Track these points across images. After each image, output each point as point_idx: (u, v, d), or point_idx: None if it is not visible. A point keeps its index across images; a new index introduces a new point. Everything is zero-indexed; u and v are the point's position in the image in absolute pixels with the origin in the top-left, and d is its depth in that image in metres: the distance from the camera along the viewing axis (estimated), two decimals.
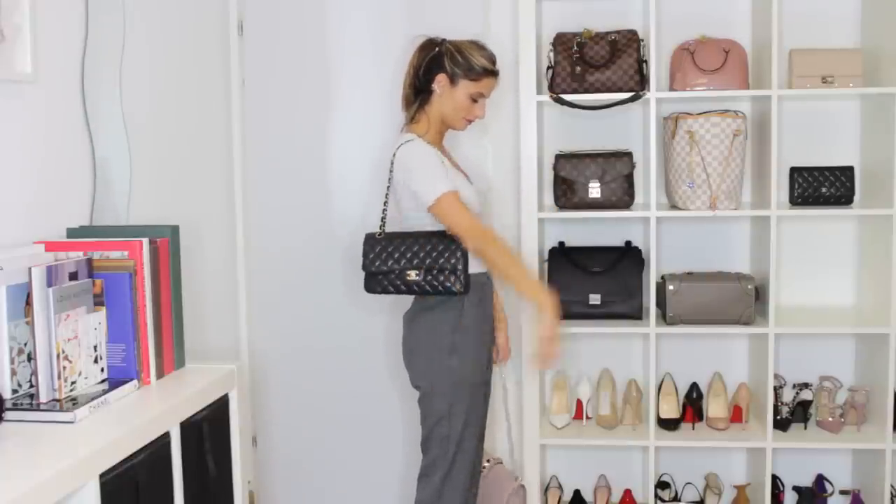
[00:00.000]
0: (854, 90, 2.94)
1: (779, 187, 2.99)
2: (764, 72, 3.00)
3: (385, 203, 2.58)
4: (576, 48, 3.00)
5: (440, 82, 2.54)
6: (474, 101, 2.56)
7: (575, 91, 2.99)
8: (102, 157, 2.29)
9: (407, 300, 2.68)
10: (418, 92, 2.58)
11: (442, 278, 2.48)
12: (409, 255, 2.50)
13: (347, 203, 3.34)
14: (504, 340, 2.80)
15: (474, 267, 2.52)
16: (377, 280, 2.54)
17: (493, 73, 2.56)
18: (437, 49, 2.56)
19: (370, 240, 2.56)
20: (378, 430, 3.39)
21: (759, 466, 3.10)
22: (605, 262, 3.11)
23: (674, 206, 3.06)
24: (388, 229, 2.56)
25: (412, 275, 2.50)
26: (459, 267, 2.48)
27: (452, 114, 2.57)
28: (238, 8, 3.25)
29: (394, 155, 2.52)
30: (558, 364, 2.84)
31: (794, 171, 3.05)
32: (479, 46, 2.57)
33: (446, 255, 2.48)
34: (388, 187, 2.58)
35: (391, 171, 2.53)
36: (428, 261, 2.49)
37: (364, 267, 2.55)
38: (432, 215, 2.48)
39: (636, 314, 3.08)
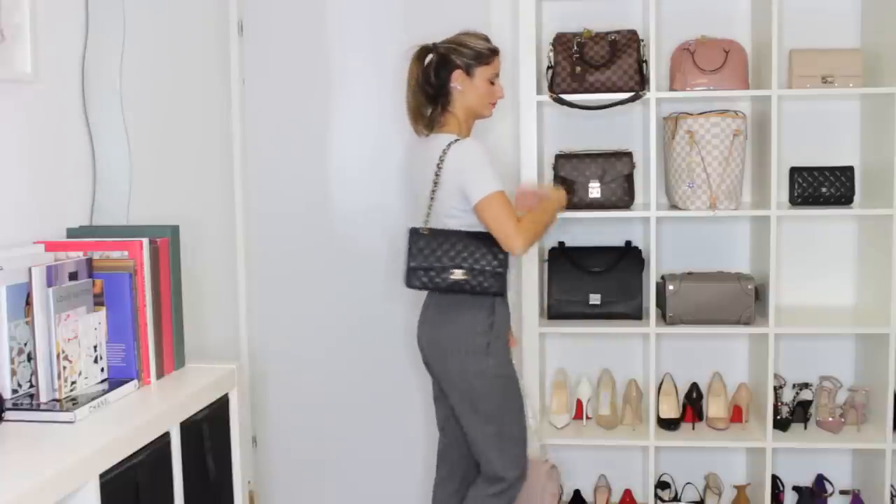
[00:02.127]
0: (854, 90, 2.94)
1: (779, 187, 2.99)
2: (764, 72, 3.00)
3: (431, 199, 2.54)
4: (576, 48, 3.00)
5: (458, 79, 2.56)
6: (491, 83, 2.59)
7: (575, 91, 2.99)
8: (102, 157, 2.29)
9: (416, 299, 2.68)
10: (434, 98, 2.58)
11: (481, 279, 2.51)
12: (452, 254, 2.51)
13: (347, 203, 3.35)
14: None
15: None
16: (418, 275, 2.54)
17: (496, 51, 2.61)
18: (434, 52, 2.58)
19: (415, 235, 2.56)
20: (378, 429, 3.39)
21: (759, 466, 3.10)
22: (605, 262, 3.11)
23: (674, 206, 3.06)
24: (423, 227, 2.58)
25: (457, 274, 2.51)
26: (500, 270, 2.51)
27: (479, 103, 2.59)
28: (238, 8, 3.25)
29: (442, 155, 2.49)
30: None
31: (794, 171, 3.05)
32: (470, 34, 2.62)
33: (489, 257, 2.51)
34: (434, 184, 2.51)
35: (438, 171, 2.50)
36: (470, 261, 2.50)
37: (408, 261, 2.55)
38: (476, 213, 2.47)
39: (636, 314, 3.08)
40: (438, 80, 2.57)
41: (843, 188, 3.02)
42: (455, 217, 2.53)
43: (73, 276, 1.87)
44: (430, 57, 2.60)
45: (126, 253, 1.96)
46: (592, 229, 3.27)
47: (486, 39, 2.61)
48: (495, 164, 2.50)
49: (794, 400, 3.16)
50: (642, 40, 3.01)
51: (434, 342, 2.61)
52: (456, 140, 2.51)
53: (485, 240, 2.51)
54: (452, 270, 2.51)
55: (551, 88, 3.01)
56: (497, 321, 2.57)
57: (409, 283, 2.58)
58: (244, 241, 3.33)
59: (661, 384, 3.20)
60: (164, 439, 1.81)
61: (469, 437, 2.62)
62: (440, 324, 2.60)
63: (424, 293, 2.69)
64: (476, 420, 2.57)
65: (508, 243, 2.45)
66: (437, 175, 2.50)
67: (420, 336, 2.68)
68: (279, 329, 3.39)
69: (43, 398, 1.78)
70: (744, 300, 3.00)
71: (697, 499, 3.29)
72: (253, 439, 3.42)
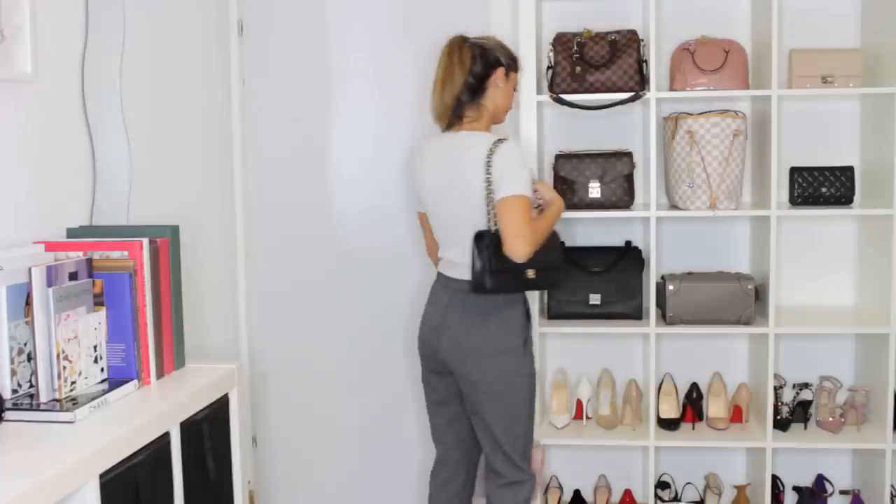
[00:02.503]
0: (854, 90, 2.94)
1: (779, 187, 2.99)
2: (764, 72, 3.00)
3: (489, 200, 2.46)
4: (576, 48, 3.00)
5: (500, 77, 2.55)
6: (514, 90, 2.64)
7: (575, 91, 2.99)
8: (102, 157, 2.29)
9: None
10: (474, 90, 2.54)
11: (549, 274, 2.53)
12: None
13: (347, 203, 3.34)
14: None
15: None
16: (496, 278, 2.44)
17: None
18: (476, 46, 2.55)
19: (485, 237, 2.45)
20: (378, 429, 3.39)
21: (759, 466, 3.10)
22: (605, 262, 3.11)
23: (674, 206, 3.06)
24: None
25: (529, 273, 2.48)
26: (558, 264, 2.55)
27: (504, 107, 2.60)
28: (238, 8, 3.25)
29: (490, 154, 2.44)
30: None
31: (794, 171, 3.05)
32: (500, 42, 2.63)
33: (552, 252, 2.54)
34: (489, 184, 2.44)
35: (490, 171, 2.44)
36: (541, 258, 2.48)
37: (487, 266, 2.44)
38: (497, 207, 2.43)
39: (636, 314, 3.08)
40: (483, 72, 2.53)
41: (843, 188, 3.02)
42: (477, 218, 2.50)
43: (73, 276, 1.87)
44: (474, 50, 2.54)
45: (126, 253, 1.96)
46: (592, 229, 3.27)
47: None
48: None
49: (794, 400, 3.16)
50: (642, 40, 3.01)
51: (465, 344, 2.53)
52: (502, 139, 2.48)
53: (551, 237, 2.56)
54: (527, 271, 2.47)
55: (551, 88, 3.01)
56: (529, 319, 2.61)
57: (481, 289, 2.46)
58: (244, 241, 3.33)
59: (661, 384, 3.20)
60: (164, 439, 1.81)
61: (492, 437, 2.57)
62: (474, 325, 2.53)
63: (425, 294, 2.69)
64: (507, 420, 2.56)
65: (517, 244, 2.39)
66: (488, 174, 2.44)
67: (435, 339, 2.59)
68: (279, 329, 3.39)
69: (43, 398, 1.78)
70: (744, 300, 3.00)
71: (697, 499, 3.29)
72: (253, 439, 3.42)
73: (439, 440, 2.78)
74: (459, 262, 2.55)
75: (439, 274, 2.66)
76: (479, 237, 2.46)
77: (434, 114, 2.60)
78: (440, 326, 2.58)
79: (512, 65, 2.59)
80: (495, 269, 2.43)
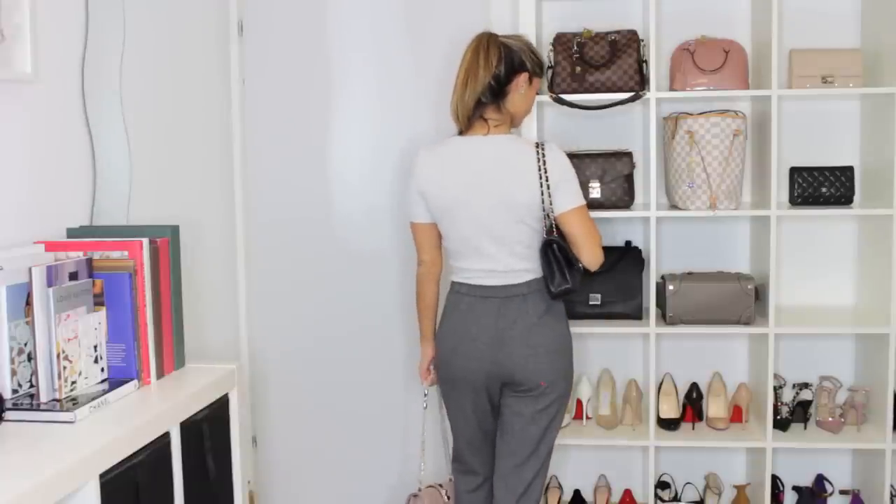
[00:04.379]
0: (854, 90, 2.94)
1: (779, 187, 2.99)
2: (764, 72, 3.00)
3: (547, 204, 2.43)
4: (576, 48, 3.00)
5: (523, 82, 2.49)
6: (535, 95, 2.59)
7: (575, 91, 2.99)
8: (102, 157, 2.29)
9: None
10: (496, 93, 2.46)
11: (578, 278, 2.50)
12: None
13: (347, 203, 3.34)
14: None
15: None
16: (575, 278, 2.45)
17: None
18: (503, 46, 2.47)
19: (554, 244, 2.44)
20: (378, 429, 3.39)
21: (758, 466, 3.10)
22: (605, 263, 3.10)
23: (674, 206, 3.06)
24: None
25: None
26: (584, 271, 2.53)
27: (525, 114, 2.58)
28: (238, 8, 3.25)
29: (542, 160, 2.43)
30: None
31: (794, 171, 3.05)
32: (529, 43, 2.59)
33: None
34: (546, 187, 2.41)
35: (546, 176, 2.41)
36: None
37: (567, 270, 2.44)
38: (563, 218, 2.43)
39: (636, 314, 3.08)
40: (506, 76, 2.45)
41: (843, 188, 3.02)
42: (526, 223, 2.45)
43: (74, 276, 1.87)
44: (502, 49, 2.46)
45: (126, 253, 1.96)
46: None
47: None
48: None
49: (794, 400, 3.16)
50: (642, 40, 3.01)
51: (543, 344, 2.46)
52: (542, 143, 2.46)
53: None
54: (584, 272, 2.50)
55: (551, 88, 3.01)
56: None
57: (571, 290, 2.44)
58: (244, 241, 3.33)
59: (661, 384, 3.20)
60: (164, 439, 1.81)
61: (531, 443, 2.52)
62: (550, 325, 2.48)
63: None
64: (554, 425, 2.55)
65: (596, 252, 2.45)
66: (544, 178, 2.40)
67: (494, 351, 2.46)
68: (279, 329, 3.39)
69: (43, 398, 1.78)
70: (744, 300, 3.00)
71: (697, 499, 3.29)
72: (253, 439, 3.42)
73: (474, 458, 2.66)
74: (498, 269, 2.47)
75: (467, 286, 2.51)
76: (549, 245, 2.43)
77: (454, 113, 2.49)
78: (499, 337, 2.46)
79: (538, 71, 2.54)
80: (572, 271, 2.44)
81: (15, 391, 1.79)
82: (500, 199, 2.43)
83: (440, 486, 2.85)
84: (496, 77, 2.44)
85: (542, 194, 2.42)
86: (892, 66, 2.89)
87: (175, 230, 2.10)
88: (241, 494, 2.17)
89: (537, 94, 2.96)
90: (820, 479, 3.24)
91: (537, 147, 2.45)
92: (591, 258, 2.46)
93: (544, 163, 2.42)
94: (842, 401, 3.16)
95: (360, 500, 3.42)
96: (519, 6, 2.97)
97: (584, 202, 2.47)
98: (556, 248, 2.43)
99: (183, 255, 2.13)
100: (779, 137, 2.95)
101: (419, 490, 2.84)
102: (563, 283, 2.43)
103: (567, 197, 2.44)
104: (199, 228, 2.90)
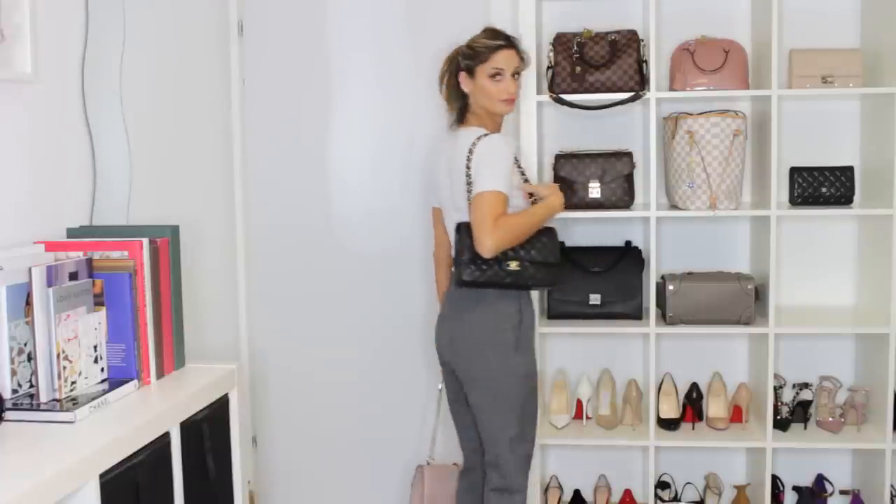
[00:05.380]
0: (854, 90, 2.94)
1: (779, 187, 2.99)
2: (764, 72, 3.00)
3: (468, 195, 2.50)
4: (576, 48, 3.00)
5: (463, 80, 2.61)
6: (495, 80, 2.56)
7: (575, 91, 2.99)
8: (102, 157, 2.29)
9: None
10: (457, 97, 2.64)
11: (540, 270, 2.53)
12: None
13: (347, 203, 3.35)
14: None
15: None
16: (474, 269, 2.46)
17: (499, 46, 2.58)
18: (452, 52, 2.65)
19: (461, 230, 2.50)
20: (378, 429, 3.39)
21: (759, 466, 3.10)
22: (605, 262, 3.11)
23: (674, 206, 3.06)
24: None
25: (512, 265, 2.49)
26: (551, 261, 2.56)
27: (488, 102, 2.59)
28: (238, 8, 3.25)
29: (470, 150, 2.49)
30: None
31: (794, 171, 3.05)
32: (483, 30, 2.64)
33: (541, 247, 2.54)
34: (468, 178, 2.49)
35: (469, 166, 2.50)
36: (524, 252, 2.51)
37: (465, 258, 2.47)
38: (469, 204, 2.47)
39: (636, 314, 3.08)
40: (450, 81, 2.64)
41: (843, 188, 3.01)
42: (462, 212, 2.53)
43: (73, 276, 1.87)
44: (449, 56, 2.66)
45: (126, 253, 1.96)
46: (592, 229, 3.27)
47: (494, 35, 2.61)
48: (512, 170, 2.50)
49: (794, 400, 3.16)
50: (642, 40, 3.01)
51: (456, 334, 2.58)
52: (485, 134, 2.52)
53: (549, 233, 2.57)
54: (508, 262, 2.48)
55: (551, 88, 3.01)
56: (525, 318, 2.57)
57: (464, 280, 2.47)
58: (244, 241, 3.33)
59: (661, 384, 3.20)
60: (164, 439, 1.81)
61: (486, 435, 2.59)
62: (462, 316, 2.57)
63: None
64: (498, 421, 2.54)
65: (480, 238, 2.41)
66: (468, 168, 2.49)
67: (437, 332, 2.67)
68: (279, 329, 3.39)
69: (43, 398, 1.77)
70: (744, 300, 3.00)
71: (697, 499, 3.29)
72: (253, 439, 3.42)
73: (461, 444, 2.80)
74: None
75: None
76: (457, 230, 2.52)
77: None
78: (441, 320, 2.67)
79: (472, 62, 2.58)
80: (470, 261, 2.45)
81: (15, 391, 1.79)
82: (450, 189, 2.58)
83: (455, 464, 2.91)
84: (444, 82, 2.65)
85: (466, 184, 2.50)
86: (892, 66, 2.89)
87: (175, 230, 2.10)
88: (241, 494, 2.17)
89: (537, 94, 2.99)
90: (820, 479, 3.24)
91: (477, 138, 2.51)
92: (476, 244, 2.43)
93: (471, 153, 2.49)
94: (842, 401, 3.16)
95: (360, 499, 3.42)
96: (519, 6, 2.97)
97: (490, 189, 2.42)
98: (459, 234, 2.51)
99: (183, 255, 2.13)
100: (779, 137, 2.95)
101: (429, 462, 2.93)
102: (460, 270, 2.48)
103: (478, 181, 2.46)
104: (199, 228, 2.90)
